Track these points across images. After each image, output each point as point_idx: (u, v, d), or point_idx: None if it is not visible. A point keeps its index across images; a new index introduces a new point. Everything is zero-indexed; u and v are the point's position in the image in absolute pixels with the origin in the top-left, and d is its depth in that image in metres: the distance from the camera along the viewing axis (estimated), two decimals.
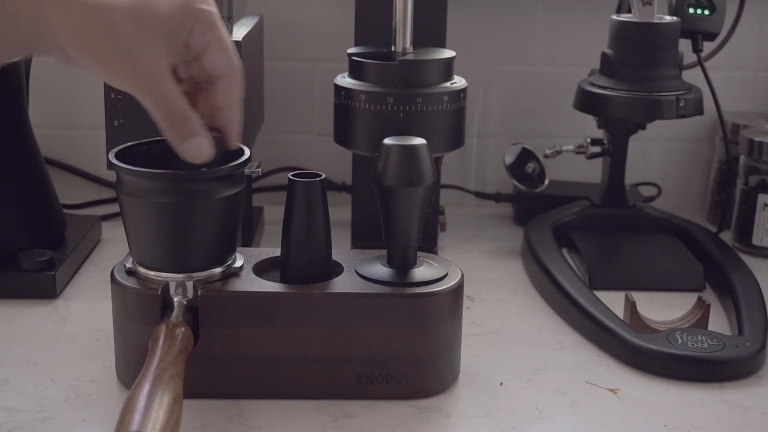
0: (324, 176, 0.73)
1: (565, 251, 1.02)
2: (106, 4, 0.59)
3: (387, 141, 0.73)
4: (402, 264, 0.75)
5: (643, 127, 1.05)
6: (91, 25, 0.58)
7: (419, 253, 0.77)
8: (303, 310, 0.72)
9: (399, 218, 0.73)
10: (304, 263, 0.74)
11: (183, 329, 0.67)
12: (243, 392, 0.73)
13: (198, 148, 0.65)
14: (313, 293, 0.72)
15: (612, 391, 0.77)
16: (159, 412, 0.57)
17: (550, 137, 1.19)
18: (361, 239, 1.02)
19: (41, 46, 0.59)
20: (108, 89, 0.88)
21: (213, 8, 0.65)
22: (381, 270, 0.75)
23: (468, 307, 0.92)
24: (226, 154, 0.70)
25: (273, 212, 1.10)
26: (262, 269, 0.76)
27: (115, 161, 0.70)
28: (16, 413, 0.71)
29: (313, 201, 0.73)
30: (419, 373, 0.74)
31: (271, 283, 0.73)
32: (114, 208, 1.16)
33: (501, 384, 0.77)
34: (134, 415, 0.56)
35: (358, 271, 0.74)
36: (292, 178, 0.73)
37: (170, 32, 0.62)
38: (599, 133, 1.09)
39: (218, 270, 0.73)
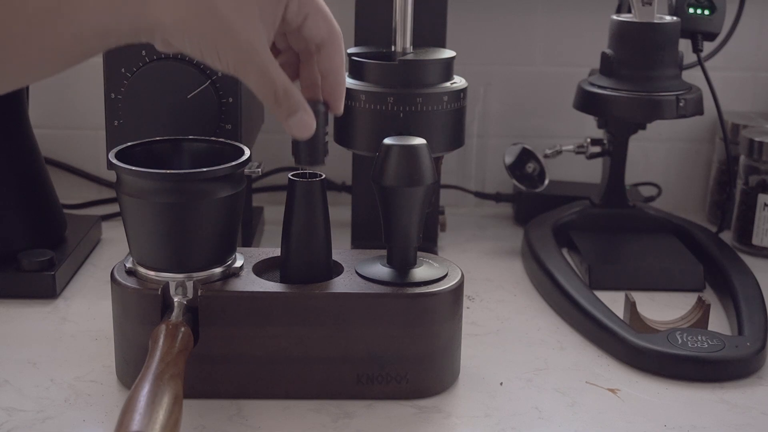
0: (324, 176, 0.73)
1: (565, 251, 1.02)
2: None
3: (387, 141, 0.73)
4: (402, 264, 0.75)
5: (643, 127, 1.05)
6: (193, 12, 0.60)
7: (419, 253, 0.77)
8: (303, 310, 0.72)
9: (399, 218, 0.73)
10: (304, 263, 0.74)
11: (183, 329, 0.67)
12: (243, 392, 0.73)
13: (303, 123, 0.66)
14: (313, 293, 0.72)
15: (612, 391, 0.77)
16: (159, 412, 0.57)
17: (550, 137, 1.20)
18: (361, 239, 1.02)
19: (144, 36, 0.61)
20: (108, 89, 0.88)
21: None
22: (381, 270, 0.75)
23: (468, 307, 0.92)
24: (227, 153, 0.70)
25: (273, 212, 1.10)
26: (262, 269, 0.76)
27: (115, 161, 0.70)
28: (16, 413, 0.71)
29: (313, 201, 0.73)
30: (419, 373, 0.74)
31: (271, 283, 0.73)
32: (114, 208, 1.16)
33: (501, 384, 0.77)
34: (134, 415, 0.56)
35: (358, 271, 0.74)
36: (292, 178, 0.73)
37: (266, 10, 0.63)
38: (599, 133, 1.09)
39: (218, 270, 0.73)
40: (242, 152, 0.72)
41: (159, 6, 0.59)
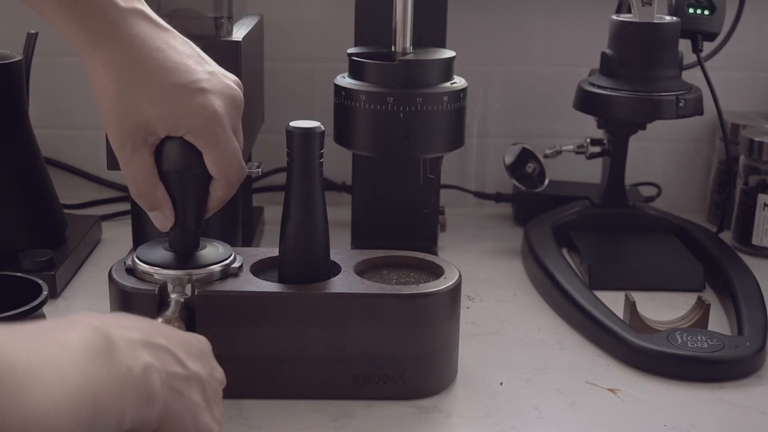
0: (321, 126, 0.72)
1: (565, 251, 1.02)
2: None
3: None
4: (183, 248, 0.74)
5: (643, 127, 1.05)
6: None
7: (203, 238, 0.76)
8: (300, 310, 0.72)
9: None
10: (302, 263, 0.73)
11: (177, 325, 0.67)
12: (240, 392, 0.73)
13: (158, 221, 0.73)
14: (311, 293, 0.72)
15: (612, 391, 0.77)
16: None
17: (550, 137, 1.19)
18: (361, 239, 1.02)
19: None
20: None
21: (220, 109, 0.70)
22: (163, 254, 0.74)
23: (468, 307, 0.91)
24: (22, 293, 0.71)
25: (273, 212, 1.10)
26: (260, 269, 0.76)
27: None
28: None
29: (311, 200, 0.72)
30: (416, 373, 0.74)
31: (269, 283, 0.73)
32: (114, 208, 1.16)
33: (501, 384, 0.77)
34: None
35: (139, 257, 0.73)
36: (290, 128, 0.72)
37: (133, 127, 0.69)
38: (599, 133, 1.09)
39: (217, 269, 0.73)
40: (39, 291, 0.70)
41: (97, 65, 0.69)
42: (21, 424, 0.42)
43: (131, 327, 0.53)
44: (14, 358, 0.43)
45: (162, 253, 0.74)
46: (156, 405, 0.51)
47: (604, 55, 1.00)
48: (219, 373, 0.60)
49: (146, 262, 0.73)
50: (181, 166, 0.71)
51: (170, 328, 0.59)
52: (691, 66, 1.03)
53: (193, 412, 0.55)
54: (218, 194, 0.72)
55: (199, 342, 0.59)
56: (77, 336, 0.48)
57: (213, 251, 0.75)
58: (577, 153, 1.09)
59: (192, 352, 0.57)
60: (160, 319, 0.68)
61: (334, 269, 0.76)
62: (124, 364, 0.49)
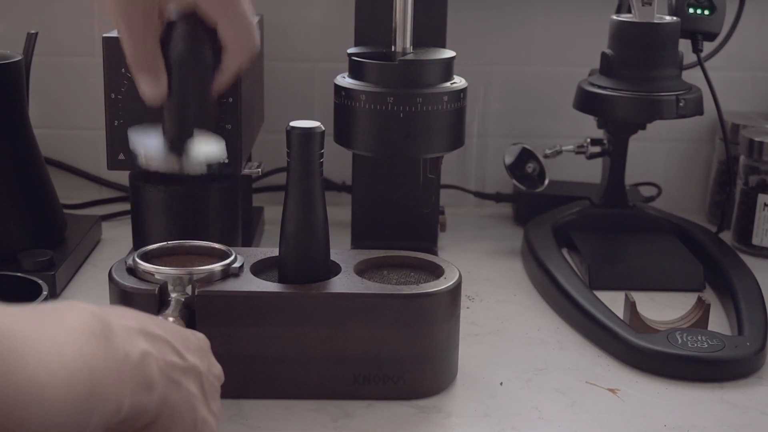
0: (321, 126, 0.72)
1: (565, 251, 1.02)
2: None
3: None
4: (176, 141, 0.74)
5: (643, 127, 1.05)
6: None
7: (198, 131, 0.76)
8: (300, 310, 0.72)
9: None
10: (302, 263, 0.74)
11: (176, 323, 0.67)
12: (240, 392, 0.73)
13: (149, 86, 0.70)
14: (311, 293, 0.72)
15: (612, 391, 0.77)
16: None
17: (550, 137, 1.19)
18: (361, 239, 1.02)
19: None
20: (108, 89, 0.88)
21: None
22: (155, 142, 0.74)
23: (468, 307, 0.92)
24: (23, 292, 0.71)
25: (273, 212, 1.10)
26: (260, 269, 0.76)
27: None
28: None
29: (311, 200, 0.72)
30: (416, 373, 0.74)
31: (269, 283, 0.73)
32: (114, 208, 1.16)
33: (501, 384, 0.77)
34: None
35: (132, 138, 0.74)
36: (290, 128, 0.72)
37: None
38: (599, 133, 1.09)
39: (217, 269, 0.73)
40: (39, 290, 0.71)
41: None
42: (17, 391, 0.42)
43: (129, 317, 0.53)
44: (11, 328, 0.43)
45: (155, 142, 0.74)
46: (154, 393, 0.51)
47: (604, 55, 1.00)
48: (217, 369, 0.60)
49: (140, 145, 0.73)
50: (189, 49, 0.71)
51: (169, 323, 0.59)
52: (691, 66, 1.03)
53: (191, 404, 0.54)
54: (230, 67, 0.71)
55: (198, 338, 0.59)
56: (74, 318, 0.48)
57: (206, 147, 0.74)
58: (577, 153, 1.09)
59: (190, 347, 0.57)
60: (160, 317, 0.68)
61: (334, 269, 0.76)
62: (121, 348, 0.49)
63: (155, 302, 0.71)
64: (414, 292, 0.72)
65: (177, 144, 0.73)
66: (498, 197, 1.20)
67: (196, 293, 0.71)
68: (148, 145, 0.73)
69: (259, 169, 0.96)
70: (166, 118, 0.73)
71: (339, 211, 1.03)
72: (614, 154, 1.06)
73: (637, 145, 1.15)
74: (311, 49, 1.19)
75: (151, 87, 0.70)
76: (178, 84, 0.71)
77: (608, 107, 0.99)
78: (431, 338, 0.73)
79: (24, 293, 0.71)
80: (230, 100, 0.88)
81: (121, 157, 0.90)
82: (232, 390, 0.73)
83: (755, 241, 1.07)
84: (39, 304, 0.50)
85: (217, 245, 0.77)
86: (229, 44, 0.70)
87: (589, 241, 1.04)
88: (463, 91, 0.89)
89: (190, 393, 0.54)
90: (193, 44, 0.71)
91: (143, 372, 0.50)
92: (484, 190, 1.22)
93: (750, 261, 1.02)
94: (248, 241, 1.03)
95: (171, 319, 0.68)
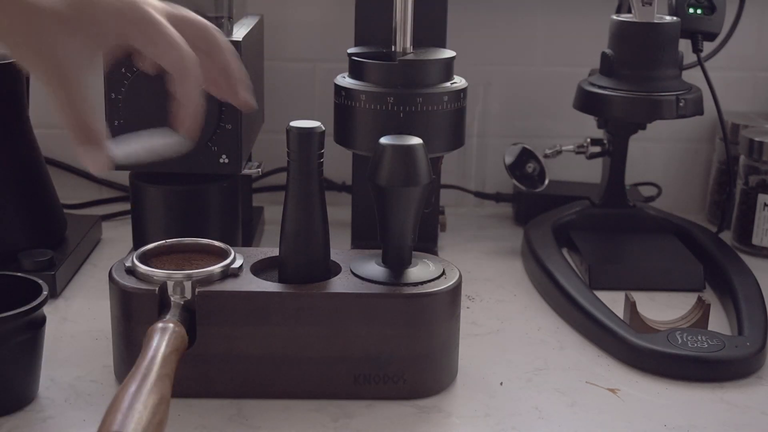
0: (321, 126, 0.72)
1: (565, 251, 1.02)
2: (39, 7, 0.62)
3: (383, 140, 0.73)
4: (397, 263, 0.75)
5: (643, 127, 1.05)
6: (23, 27, 0.62)
7: (415, 253, 0.77)
8: (300, 310, 0.72)
9: (394, 218, 0.73)
10: (302, 263, 0.74)
11: (176, 329, 0.67)
12: (240, 392, 0.73)
13: (92, 157, 0.65)
14: (311, 293, 0.72)
15: (612, 391, 0.77)
16: (143, 413, 0.57)
17: (550, 137, 1.19)
18: (360, 239, 1.02)
19: None
20: (108, 89, 0.88)
21: (153, 12, 0.66)
22: (376, 269, 0.75)
23: (468, 307, 0.92)
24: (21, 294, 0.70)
25: (273, 212, 1.10)
26: (260, 269, 0.76)
27: None
28: (16, 413, 0.71)
29: (311, 200, 0.72)
30: (416, 373, 0.74)
31: (269, 283, 0.73)
32: (114, 208, 1.16)
33: (501, 384, 0.77)
34: (117, 415, 0.56)
35: (353, 270, 0.74)
36: (290, 128, 0.72)
37: (102, 36, 0.64)
38: (599, 133, 1.09)
39: (217, 269, 0.73)
40: (39, 290, 0.71)
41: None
42: None
43: None
44: None
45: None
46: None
47: (604, 55, 1.00)
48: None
49: None
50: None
51: None
52: (691, 66, 1.03)
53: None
54: (182, 97, 0.68)
55: None
56: None
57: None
58: (577, 153, 1.09)
59: None
60: (160, 323, 0.68)
61: (334, 269, 0.76)
62: None
63: (155, 302, 0.71)
64: (414, 292, 0.72)
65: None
66: (498, 197, 1.20)
67: (196, 293, 0.71)
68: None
69: (259, 169, 0.96)
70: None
71: (339, 211, 1.03)
72: (614, 154, 1.06)
73: (637, 145, 1.15)
74: (311, 49, 1.19)
75: (95, 159, 0.66)
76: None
77: (608, 107, 0.99)
78: (431, 338, 0.73)
79: (24, 293, 0.72)
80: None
81: None
82: (232, 390, 0.73)
83: (755, 241, 1.07)
84: None
85: (216, 242, 0.77)
86: (170, 72, 0.68)
87: (589, 241, 1.04)
88: (463, 91, 0.89)
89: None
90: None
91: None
92: (484, 190, 1.22)
93: (750, 261, 1.02)
94: (248, 241, 1.03)
95: (171, 324, 0.68)
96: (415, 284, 0.73)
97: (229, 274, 0.73)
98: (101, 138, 0.65)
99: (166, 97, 0.86)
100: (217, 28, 0.70)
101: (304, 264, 0.74)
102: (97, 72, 0.66)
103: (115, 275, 0.73)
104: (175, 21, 0.68)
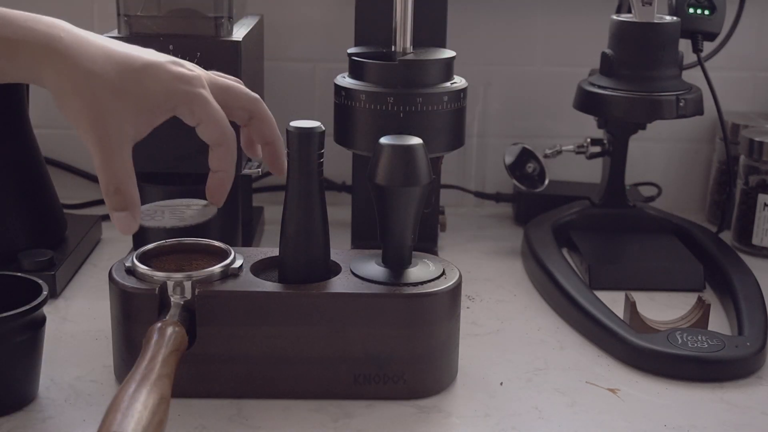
0: (321, 126, 0.72)
1: (565, 251, 1.02)
2: (91, 72, 0.66)
3: (383, 140, 0.73)
4: (396, 263, 0.75)
5: (643, 127, 1.05)
6: (72, 87, 0.66)
7: (415, 253, 0.77)
8: (300, 310, 0.72)
9: (394, 218, 0.73)
10: (302, 263, 0.74)
11: (176, 329, 0.67)
12: (240, 392, 0.73)
13: (122, 222, 0.69)
14: (311, 293, 0.72)
15: (612, 391, 0.77)
16: (143, 413, 0.57)
17: (550, 137, 1.19)
18: (360, 239, 1.02)
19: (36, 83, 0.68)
20: None
21: (202, 89, 0.69)
22: (376, 269, 0.75)
23: (468, 307, 0.92)
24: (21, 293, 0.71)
25: (273, 212, 1.10)
26: (260, 269, 0.76)
27: None
28: (16, 413, 0.71)
29: (311, 200, 0.72)
30: (416, 373, 0.74)
31: (269, 283, 0.73)
32: None
33: (501, 384, 0.77)
34: (116, 415, 0.56)
35: (353, 270, 0.74)
36: (290, 128, 0.72)
37: (149, 110, 0.68)
38: (599, 133, 1.09)
39: (217, 270, 0.73)
40: (39, 290, 0.71)
41: (46, 72, 0.66)
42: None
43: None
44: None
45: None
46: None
47: (604, 55, 1.00)
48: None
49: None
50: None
51: None
52: (691, 66, 1.03)
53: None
54: (230, 161, 0.72)
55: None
56: None
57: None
58: (577, 153, 1.09)
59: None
60: (160, 323, 0.68)
61: (334, 269, 0.76)
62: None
63: (156, 302, 0.71)
64: (414, 292, 0.72)
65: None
66: (498, 197, 1.20)
67: (196, 293, 0.71)
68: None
69: (259, 169, 0.96)
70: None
71: (339, 211, 1.03)
72: (614, 154, 1.06)
73: (637, 145, 1.15)
74: (311, 49, 1.19)
75: (125, 224, 0.69)
76: None
77: (608, 107, 0.99)
78: (431, 338, 0.73)
79: (24, 293, 0.72)
80: None
81: None
82: (232, 390, 0.73)
83: (755, 241, 1.08)
84: None
85: (216, 242, 0.77)
86: (210, 145, 0.72)
87: (589, 241, 1.04)
88: (463, 91, 0.89)
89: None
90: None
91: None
92: (484, 190, 1.23)
93: (750, 261, 1.02)
94: (248, 241, 1.03)
95: (171, 324, 0.68)
96: (415, 284, 0.73)
97: (229, 274, 0.73)
98: (134, 205, 0.68)
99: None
100: (259, 98, 0.74)
101: (304, 264, 0.74)
102: (141, 137, 0.70)
103: (115, 275, 0.73)
104: (219, 91, 0.72)
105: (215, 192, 0.73)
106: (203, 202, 0.75)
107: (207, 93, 0.70)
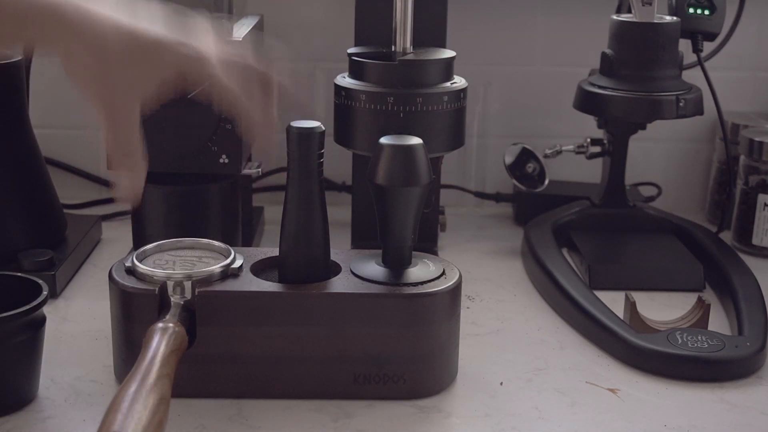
0: (321, 126, 0.72)
1: (565, 251, 1.02)
2: (102, 40, 0.64)
3: (383, 140, 0.73)
4: (396, 263, 0.75)
5: (643, 127, 1.05)
6: (82, 51, 0.64)
7: (415, 253, 0.77)
8: (300, 310, 0.72)
9: (394, 218, 0.73)
10: (302, 263, 0.74)
11: (176, 329, 0.67)
12: (240, 392, 0.73)
13: (127, 191, 0.68)
14: (311, 293, 0.72)
15: (612, 391, 0.77)
16: (143, 413, 0.57)
17: (550, 137, 1.19)
18: (360, 239, 1.02)
19: (40, 49, 0.67)
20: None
21: (210, 70, 0.68)
22: (375, 269, 0.75)
23: (468, 307, 0.92)
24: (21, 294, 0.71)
25: (273, 212, 1.10)
26: (260, 269, 0.76)
27: None
28: (16, 413, 0.71)
29: (311, 200, 0.72)
30: (416, 373, 0.74)
31: (269, 283, 0.73)
32: (114, 208, 1.16)
33: (501, 384, 0.77)
34: (116, 415, 0.56)
35: (353, 270, 0.74)
36: (290, 128, 0.72)
37: (157, 85, 0.67)
38: (599, 133, 1.09)
39: (217, 270, 0.73)
40: (39, 290, 0.71)
41: (56, 36, 0.64)
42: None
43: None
44: None
45: None
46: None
47: (604, 55, 1.00)
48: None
49: None
50: None
51: None
52: (691, 66, 1.03)
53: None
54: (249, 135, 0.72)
55: None
56: None
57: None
58: (577, 153, 1.09)
59: None
60: (160, 323, 0.68)
61: (334, 269, 0.76)
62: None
63: (156, 302, 0.71)
64: (414, 292, 0.72)
65: None
66: (498, 197, 1.20)
67: (196, 293, 0.71)
68: None
69: (259, 169, 0.96)
70: None
71: (339, 211, 1.03)
72: (614, 154, 1.06)
73: (637, 145, 1.15)
74: (311, 49, 1.19)
75: (125, 185, 0.68)
76: None
77: (608, 107, 0.99)
78: (431, 338, 0.73)
79: (24, 293, 0.72)
80: None
81: None
82: (232, 390, 0.73)
83: (755, 241, 1.07)
84: None
85: (216, 242, 0.77)
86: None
87: (589, 241, 1.04)
88: (463, 91, 0.89)
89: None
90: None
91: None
92: (484, 190, 1.22)
93: (750, 261, 1.02)
94: (248, 241, 1.03)
95: (171, 324, 0.68)
96: (415, 284, 0.73)
97: (229, 274, 0.73)
98: (136, 166, 0.67)
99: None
100: (269, 71, 0.72)
101: (304, 264, 0.74)
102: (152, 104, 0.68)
103: (115, 275, 0.73)
104: (229, 66, 0.70)
105: (263, 148, 0.73)
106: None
107: (215, 72, 0.68)
